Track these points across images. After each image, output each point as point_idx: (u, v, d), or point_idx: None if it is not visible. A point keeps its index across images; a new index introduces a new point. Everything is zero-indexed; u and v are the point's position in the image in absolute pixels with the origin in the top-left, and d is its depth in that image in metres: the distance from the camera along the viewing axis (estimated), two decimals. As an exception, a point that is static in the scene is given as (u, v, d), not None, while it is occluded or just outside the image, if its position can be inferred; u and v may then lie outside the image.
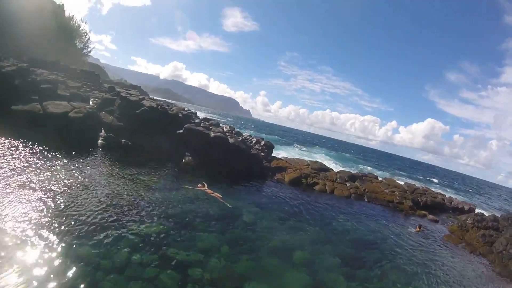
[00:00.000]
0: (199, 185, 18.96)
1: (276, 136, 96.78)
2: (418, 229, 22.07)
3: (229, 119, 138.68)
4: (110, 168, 18.86)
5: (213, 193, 18.19)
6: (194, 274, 10.42)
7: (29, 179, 13.94)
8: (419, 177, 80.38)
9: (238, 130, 37.47)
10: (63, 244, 9.96)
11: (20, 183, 13.30)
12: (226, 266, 11.44)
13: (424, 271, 15.65)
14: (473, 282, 16.12)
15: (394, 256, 16.67)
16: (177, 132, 24.71)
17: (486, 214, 28.44)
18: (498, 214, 29.77)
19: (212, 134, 24.72)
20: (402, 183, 37.55)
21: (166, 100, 52.58)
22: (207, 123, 30.25)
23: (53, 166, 16.30)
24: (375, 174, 38.84)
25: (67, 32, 65.41)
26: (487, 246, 21.78)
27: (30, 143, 18.50)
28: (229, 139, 25.63)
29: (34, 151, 17.70)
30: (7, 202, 11.59)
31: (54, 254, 9.43)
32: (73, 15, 70.58)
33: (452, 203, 33.68)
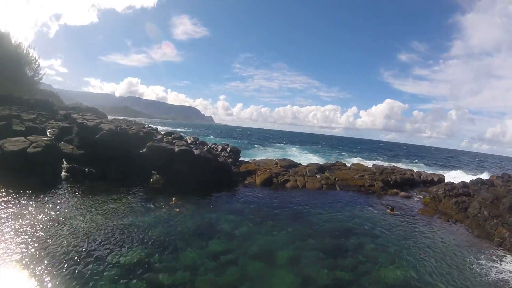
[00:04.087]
0: (172, 202, 19.15)
1: (241, 140, 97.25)
2: (390, 211, 22.35)
3: (191, 129, 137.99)
4: (78, 200, 18.29)
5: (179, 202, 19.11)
6: (182, 294, 10.30)
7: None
8: (385, 157, 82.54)
9: (202, 140, 37.31)
10: (42, 288, 9.67)
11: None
12: (213, 280, 11.41)
13: (405, 247, 16.09)
14: (455, 248, 16.74)
15: (374, 239, 16.99)
16: (141, 151, 24.24)
17: (456, 182, 29.29)
18: (467, 180, 30.78)
19: (176, 149, 24.33)
20: (370, 165, 38.27)
21: (126, 118, 51.67)
22: (170, 137, 29.91)
23: (17, 207, 15.68)
24: (342, 162, 39.48)
25: (15, 61, 63.30)
26: (461, 212, 22.70)
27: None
28: (194, 151, 25.33)
29: (-5, 195, 17.03)
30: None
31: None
32: (20, 42, 68.43)
33: (421, 176, 34.57)
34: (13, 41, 66.36)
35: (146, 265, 11.84)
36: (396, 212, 22.18)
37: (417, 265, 14.03)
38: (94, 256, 12.03)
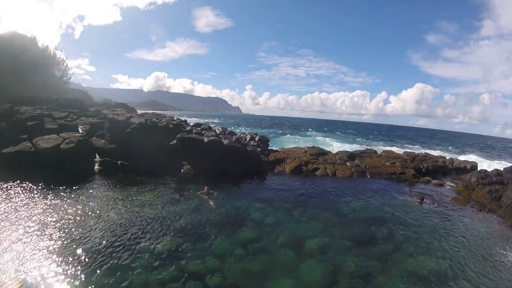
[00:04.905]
0: (204, 189, 19.41)
1: (270, 129, 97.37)
2: (420, 200, 21.67)
3: (218, 120, 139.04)
4: (111, 192, 18.77)
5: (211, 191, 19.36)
6: (214, 282, 10.45)
7: (35, 218, 13.98)
8: (417, 143, 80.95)
9: (231, 130, 37.46)
10: (81, 277, 9.98)
11: (27, 224, 13.34)
12: (243, 268, 11.47)
13: (436, 237, 15.67)
14: (487, 239, 16.10)
15: (405, 228, 16.64)
16: (171, 143, 24.56)
17: (489, 169, 28.37)
18: (501, 167, 29.78)
19: (206, 139, 24.59)
20: (401, 152, 37.60)
21: (154, 112, 52.27)
22: (199, 128, 30.18)
23: (55, 201, 16.28)
24: (373, 149, 38.92)
25: (43, 63, 64.94)
26: (495, 201, 21.84)
27: (28, 182, 18.42)
28: (223, 141, 25.53)
29: (34, 190, 17.63)
30: (20, 244, 11.62)
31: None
32: (47, 45, 70.15)
33: (454, 164, 33.56)
34: (39, 44, 68.14)
35: (178, 254, 12.05)
36: (426, 201, 21.61)
37: (448, 256, 13.63)
38: (128, 245, 12.33)
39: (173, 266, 11.10)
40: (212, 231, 14.28)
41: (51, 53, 70.34)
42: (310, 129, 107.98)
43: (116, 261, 11.09)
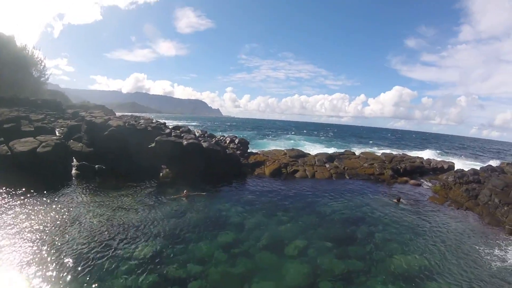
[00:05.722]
0: (182, 193, 19.45)
1: (250, 131, 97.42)
2: (397, 201, 21.97)
3: (197, 123, 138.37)
4: (89, 197, 18.47)
5: (191, 194, 19.60)
6: (194, 286, 10.41)
7: (11, 223, 13.70)
8: (395, 145, 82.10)
9: (211, 133, 37.40)
10: (59, 283, 9.82)
11: (3, 229, 13.06)
12: (224, 272, 11.45)
13: (415, 236, 16.01)
14: (465, 236, 16.58)
15: (384, 227, 16.94)
16: (149, 146, 24.32)
17: (466, 169, 28.98)
18: (477, 167, 30.51)
19: (185, 142, 24.43)
20: (379, 154, 38.09)
21: (133, 114, 51.56)
22: (178, 131, 29.91)
23: (31, 206, 15.95)
24: (352, 151, 39.35)
25: (21, 63, 63.58)
26: (472, 199, 22.49)
27: (4, 187, 17.95)
28: (202, 143, 25.42)
29: (10, 194, 17.26)
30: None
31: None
32: (25, 44, 68.78)
33: (431, 164, 34.12)
34: (18, 43, 66.74)
35: (158, 258, 11.94)
36: (403, 202, 21.98)
37: (427, 254, 13.98)
38: (107, 251, 12.16)
39: (153, 271, 11.01)
40: (192, 234, 14.22)
41: (29, 53, 68.97)
42: (291, 132, 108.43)
43: (95, 266, 10.93)
